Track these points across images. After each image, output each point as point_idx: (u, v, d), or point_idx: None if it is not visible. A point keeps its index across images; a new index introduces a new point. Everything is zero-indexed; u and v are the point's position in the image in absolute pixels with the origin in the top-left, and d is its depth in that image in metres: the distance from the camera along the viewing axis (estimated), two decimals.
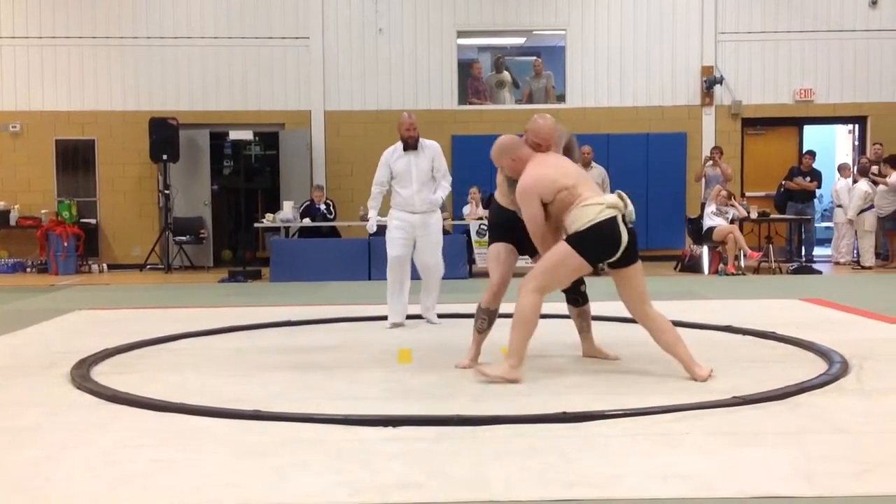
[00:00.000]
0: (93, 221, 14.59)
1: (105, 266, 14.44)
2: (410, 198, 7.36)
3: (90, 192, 14.75)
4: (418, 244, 7.44)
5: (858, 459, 3.52)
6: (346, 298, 9.79)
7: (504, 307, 5.61)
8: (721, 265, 12.50)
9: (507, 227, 5.54)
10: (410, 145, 7.33)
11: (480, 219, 12.69)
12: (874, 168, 13.52)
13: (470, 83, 15.14)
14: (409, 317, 7.58)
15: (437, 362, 5.72)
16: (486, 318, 5.57)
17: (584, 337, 5.80)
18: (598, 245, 4.93)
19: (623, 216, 4.99)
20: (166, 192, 14.10)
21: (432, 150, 7.43)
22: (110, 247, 14.77)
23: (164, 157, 13.90)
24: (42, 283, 12.47)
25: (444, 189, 7.50)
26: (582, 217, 4.95)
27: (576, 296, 5.67)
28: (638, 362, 5.56)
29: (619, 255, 4.97)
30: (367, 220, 7.89)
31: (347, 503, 3.14)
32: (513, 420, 4.12)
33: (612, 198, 5.03)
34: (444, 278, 10.77)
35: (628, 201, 5.01)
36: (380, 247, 12.49)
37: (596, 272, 5.40)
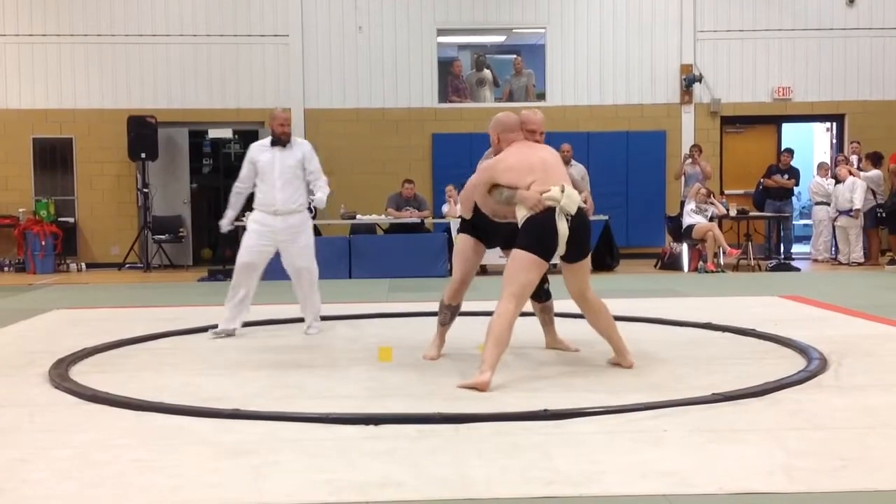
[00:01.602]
0: (71, 220, 14.48)
1: (83, 265, 14.33)
2: (271, 196, 6.76)
3: (68, 191, 14.63)
4: (283, 249, 6.84)
5: (837, 455, 3.54)
6: (327, 296, 9.73)
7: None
8: (701, 263, 12.55)
9: (474, 220, 5.68)
10: (280, 141, 6.85)
11: (460, 217, 12.67)
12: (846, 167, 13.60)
13: (450, 81, 15.13)
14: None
15: (417, 360, 5.71)
16: (448, 312, 5.80)
17: (547, 330, 6.02)
18: (537, 238, 4.99)
19: (567, 209, 5.01)
20: (145, 190, 14.01)
21: (303, 149, 6.92)
22: (88, 246, 14.66)
23: (143, 155, 13.81)
24: (20, 282, 12.37)
25: (322, 189, 6.87)
26: (520, 212, 5.06)
27: (538, 292, 5.71)
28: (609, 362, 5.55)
29: (564, 248, 5.01)
30: (224, 221, 7.14)
31: (328, 502, 3.13)
32: (494, 418, 4.12)
33: (553, 191, 5.01)
34: (424, 276, 10.75)
35: (568, 194, 5.01)
36: (361, 245, 12.57)
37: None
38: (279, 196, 6.74)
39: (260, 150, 6.88)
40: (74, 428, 4.13)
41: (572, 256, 5.11)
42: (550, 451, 3.62)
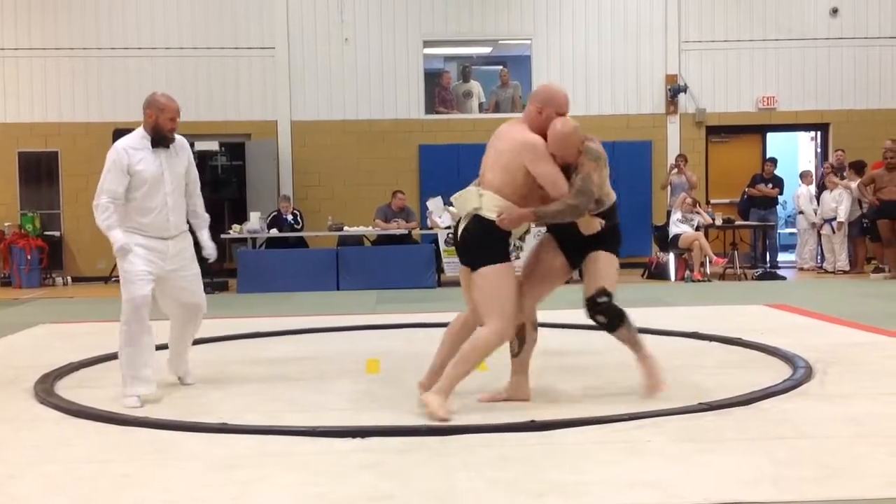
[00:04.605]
0: (57, 234, 14.43)
1: (69, 279, 14.27)
2: (162, 216, 5.09)
3: (54, 205, 14.58)
4: (169, 282, 5.19)
5: (823, 464, 3.56)
6: (315, 309, 9.75)
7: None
8: (687, 272, 12.59)
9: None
10: (165, 141, 5.15)
11: (448, 228, 12.69)
12: (832, 175, 13.69)
13: (437, 92, 15.17)
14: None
15: (405, 373, 5.70)
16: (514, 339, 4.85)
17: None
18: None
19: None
20: None
21: (187, 151, 5.35)
22: (74, 260, 14.61)
23: None
24: (5, 296, 12.31)
25: (202, 206, 5.54)
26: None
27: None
28: (603, 370, 5.57)
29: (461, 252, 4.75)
30: (123, 241, 5.02)
31: None
32: (481, 429, 4.12)
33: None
34: (412, 287, 10.73)
35: (460, 196, 4.70)
36: (348, 257, 12.57)
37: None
38: (172, 217, 5.16)
39: (137, 154, 5.09)
40: (61, 443, 4.11)
41: (463, 261, 4.74)
42: (538, 463, 3.62)
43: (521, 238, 4.76)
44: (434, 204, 12.96)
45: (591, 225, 4.60)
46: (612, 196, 4.78)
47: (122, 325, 5.05)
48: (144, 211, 5.07)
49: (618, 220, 4.79)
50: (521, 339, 4.77)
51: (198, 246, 5.48)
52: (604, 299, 4.66)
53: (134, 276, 5.01)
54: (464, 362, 4.52)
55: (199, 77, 14.55)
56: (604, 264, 4.68)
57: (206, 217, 5.59)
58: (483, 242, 4.57)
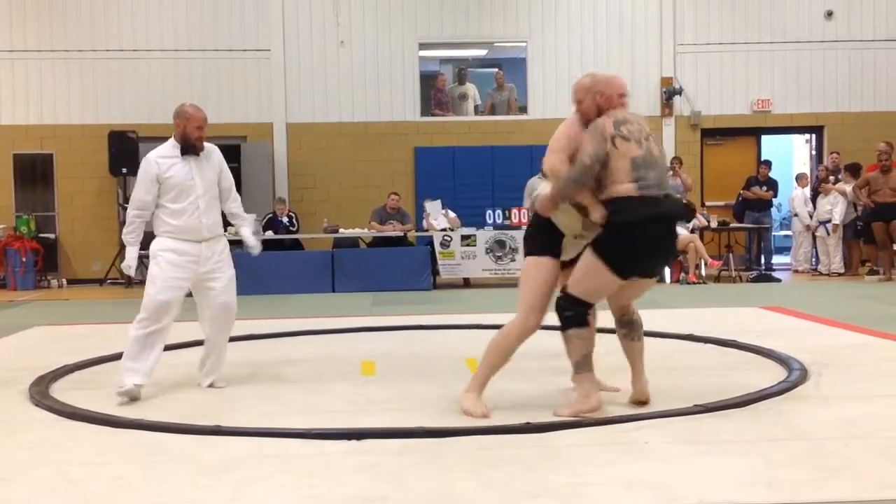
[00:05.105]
0: (52, 236, 14.40)
1: (64, 281, 14.25)
2: (195, 220, 5.33)
3: (49, 207, 14.56)
4: (204, 284, 5.40)
5: (818, 466, 3.56)
6: (310, 311, 9.74)
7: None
8: (682, 274, 12.60)
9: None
10: (194, 149, 5.40)
11: (444, 230, 12.70)
12: (831, 177, 13.73)
13: (433, 95, 15.18)
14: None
15: (400, 375, 5.70)
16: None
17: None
18: None
19: None
20: (126, 205, 13.92)
21: (219, 159, 5.59)
22: (70, 262, 14.58)
23: (124, 170, 13.75)
24: (0, 299, 12.27)
25: (241, 207, 5.84)
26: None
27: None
28: (600, 373, 5.55)
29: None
30: (130, 261, 5.44)
31: None
32: (477, 431, 4.12)
33: None
34: (408, 289, 10.75)
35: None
36: (344, 259, 12.55)
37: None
38: (205, 220, 5.38)
39: (168, 163, 5.36)
40: (55, 446, 4.10)
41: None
42: (534, 465, 3.62)
43: (579, 236, 4.60)
44: (432, 206, 12.96)
45: (594, 211, 4.32)
46: (621, 187, 4.28)
47: (136, 322, 5.23)
48: (177, 214, 5.31)
49: (627, 218, 4.25)
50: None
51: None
52: (561, 299, 4.51)
53: (160, 280, 5.24)
54: (491, 355, 4.59)
55: (195, 79, 14.54)
56: (582, 264, 4.44)
57: (247, 216, 5.90)
58: (530, 231, 4.67)
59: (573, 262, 4.58)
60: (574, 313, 4.45)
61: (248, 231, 5.82)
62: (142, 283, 5.21)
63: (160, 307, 5.19)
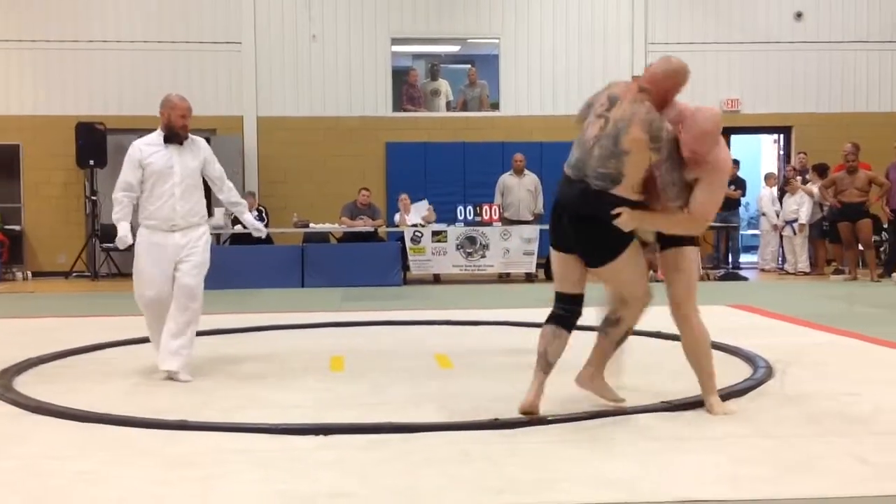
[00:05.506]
0: (17, 228, 14.23)
1: (29, 274, 14.09)
2: (169, 209, 5.50)
3: (14, 199, 14.38)
4: (179, 264, 5.56)
5: (780, 463, 3.59)
6: (279, 306, 9.70)
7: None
8: (651, 272, 12.65)
9: None
10: (178, 137, 5.59)
11: (415, 226, 12.69)
12: (798, 177, 13.86)
13: (405, 90, 15.16)
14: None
15: (369, 370, 5.70)
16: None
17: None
18: None
19: None
20: (93, 198, 13.82)
21: (204, 149, 5.78)
22: (35, 254, 14.42)
23: (91, 162, 13.63)
24: None
25: (236, 195, 6.06)
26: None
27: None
28: (568, 370, 5.58)
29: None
30: (123, 235, 5.64)
31: None
32: (444, 427, 4.13)
33: None
34: (377, 285, 10.71)
35: None
36: (313, 254, 12.50)
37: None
38: (180, 209, 5.52)
39: (150, 150, 5.55)
40: (18, 439, 4.06)
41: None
42: (500, 461, 3.63)
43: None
44: (421, 206, 12.96)
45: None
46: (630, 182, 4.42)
47: (144, 317, 5.70)
48: (153, 199, 5.53)
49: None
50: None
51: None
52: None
53: (138, 274, 5.61)
54: (701, 358, 4.74)
55: (165, 71, 14.40)
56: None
57: (245, 202, 6.18)
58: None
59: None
60: (561, 312, 4.68)
61: (249, 216, 6.15)
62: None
63: (150, 303, 5.56)
